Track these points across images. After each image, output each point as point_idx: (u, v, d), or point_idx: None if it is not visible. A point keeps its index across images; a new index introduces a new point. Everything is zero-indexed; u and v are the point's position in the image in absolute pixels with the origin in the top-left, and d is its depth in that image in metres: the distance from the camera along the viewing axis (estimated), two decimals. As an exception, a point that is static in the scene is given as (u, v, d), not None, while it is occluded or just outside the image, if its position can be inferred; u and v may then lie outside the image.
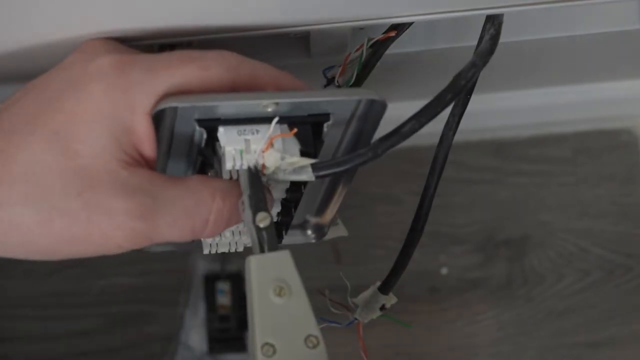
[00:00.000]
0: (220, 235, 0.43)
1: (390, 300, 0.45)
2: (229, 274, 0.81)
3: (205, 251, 0.44)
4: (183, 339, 0.79)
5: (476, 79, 0.42)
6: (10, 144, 0.36)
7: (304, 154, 0.38)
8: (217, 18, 0.39)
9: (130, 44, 0.41)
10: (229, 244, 0.44)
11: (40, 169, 0.35)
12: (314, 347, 0.34)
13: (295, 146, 0.38)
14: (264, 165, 0.37)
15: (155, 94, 0.36)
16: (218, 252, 0.44)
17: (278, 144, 0.37)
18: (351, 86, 0.43)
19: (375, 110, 0.39)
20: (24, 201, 0.35)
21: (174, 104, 0.36)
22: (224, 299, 0.79)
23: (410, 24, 0.43)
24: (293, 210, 0.43)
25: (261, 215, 0.36)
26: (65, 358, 0.79)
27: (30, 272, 0.81)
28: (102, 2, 0.37)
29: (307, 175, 0.37)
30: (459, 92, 0.37)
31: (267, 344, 0.34)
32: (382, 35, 0.43)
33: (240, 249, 0.44)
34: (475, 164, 0.85)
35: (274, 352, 0.34)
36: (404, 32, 0.43)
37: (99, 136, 0.35)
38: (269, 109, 0.37)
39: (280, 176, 0.38)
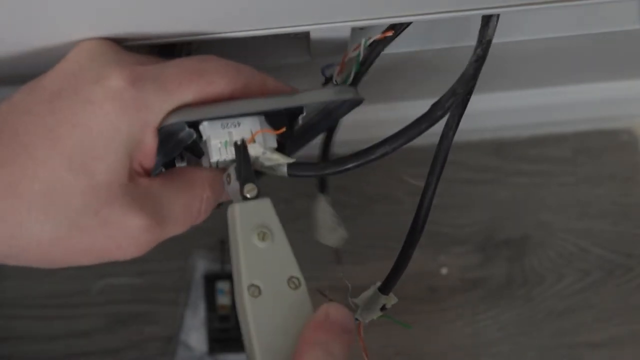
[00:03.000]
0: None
1: (390, 300, 0.45)
2: (229, 274, 0.81)
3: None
4: (183, 339, 0.79)
5: (474, 77, 0.42)
6: (30, 158, 0.36)
7: (280, 144, 0.41)
8: (218, 18, 0.39)
9: (131, 44, 0.41)
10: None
11: (61, 187, 0.36)
12: (296, 287, 0.37)
13: (272, 137, 0.41)
14: (251, 140, 0.40)
15: (166, 112, 0.38)
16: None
17: (259, 137, 0.40)
18: (349, 85, 0.43)
19: (349, 105, 0.42)
20: (44, 219, 0.36)
21: (183, 118, 0.38)
22: (224, 299, 0.79)
23: (409, 23, 0.43)
24: None
25: (249, 186, 0.38)
26: (65, 358, 0.79)
27: (30, 272, 0.81)
28: (103, 4, 0.37)
29: (281, 172, 0.41)
30: (435, 121, 0.38)
31: (252, 285, 0.36)
32: (380, 35, 0.43)
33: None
34: (475, 164, 0.86)
35: (259, 292, 0.36)
36: (401, 31, 0.43)
37: (116, 153, 0.37)
38: None
39: (258, 166, 0.41)
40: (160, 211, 0.38)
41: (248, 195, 0.38)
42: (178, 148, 0.42)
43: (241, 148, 0.39)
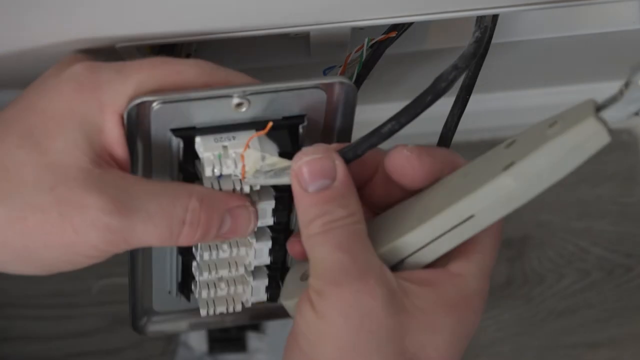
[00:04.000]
0: (216, 287, 0.42)
1: None
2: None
3: (203, 313, 0.43)
4: (183, 339, 0.79)
5: (473, 76, 0.42)
6: None
7: (282, 156, 0.38)
8: (218, 18, 0.39)
9: (131, 45, 0.41)
10: (226, 300, 0.43)
11: (13, 164, 0.35)
12: None
13: (273, 149, 0.38)
14: (244, 168, 0.37)
15: (125, 94, 0.36)
16: (216, 312, 0.43)
17: (255, 145, 0.37)
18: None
19: (348, 99, 0.39)
20: None
21: (143, 99, 0.36)
22: (224, 299, 0.79)
23: (410, 24, 0.43)
24: (284, 244, 0.41)
25: None
26: (65, 358, 0.79)
27: (30, 272, 0.81)
28: (104, 3, 0.37)
29: (288, 178, 0.37)
30: (439, 94, 0.37)
31: None
32: (383, 36, 0.43)
33: (239, 308, 0.43)
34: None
35: None
36: (404, 32, 0.43)
37: (70, 133, 0.35)
38: (243, 109, 0.37)
39: (261, 180, 0.38)
40: (129, 201, 0.35)
41: None
42: (175, 167, 0.39)
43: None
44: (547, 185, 0.33)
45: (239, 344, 0.78)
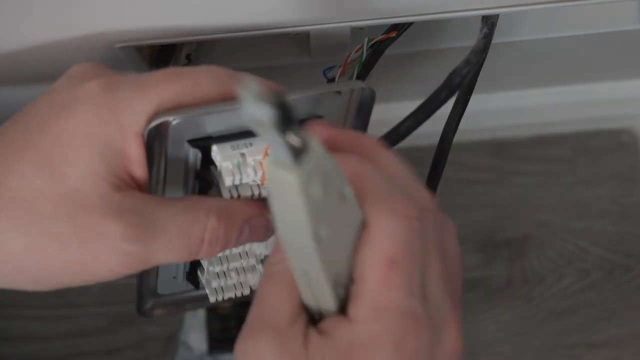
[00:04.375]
0: (226, 277, 0.42)
1: None
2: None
3: (212, 299, 0.43)
4: (183, 339, 0.79)
5: (473, 77, 0.42)
6: (1, 171, 0.35)
7: None
8: (218, 18, 0.39)
9: (131, 45, 0.41)
10: (235, 286, 0.43)
11: (31, 194, 0.34)
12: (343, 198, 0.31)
13: None
14: (264, 175, 0.37)
15: (145, 113, 0.35)
16: (225, 298, 0.43)
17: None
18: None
19: (365, 101, 0.39)
20: (14, 227, 0.34)
21: (165, 118, 0.35)
22: (224, 299, 0.79)
23: (410, 24, 0.43)
24: None
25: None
26: (65, 358, 0.79)
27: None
28: (106, 3, 0.37)
29: None
30: (454, 89, 0.37)
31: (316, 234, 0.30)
32: (383, 36, 0.43)
33: (247, 292, 0.43)
34: (475, 164, 0.85)
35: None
36: (403, 32, 0.43)
37: (89, 159, 0.35)
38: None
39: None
40: (148, 226, 0.35)
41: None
42: (190, 176, 0.39)
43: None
44: (306, 226, 0.30)
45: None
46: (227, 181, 0.37)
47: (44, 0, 0.37)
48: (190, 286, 0.45)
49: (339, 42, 0.45)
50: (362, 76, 0.43)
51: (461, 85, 0.38)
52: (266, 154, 0.36)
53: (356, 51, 0.43)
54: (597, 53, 0.60)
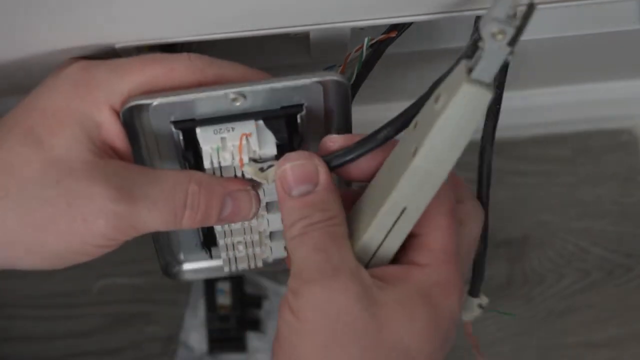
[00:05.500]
0: (234, 249, 0.44)
1: (483, 299, 0.50)
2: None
3: (226, 269, 0.46)
4: (183, 339, 0.79)
5: (499, 86, 0.42)
6: None
7: (279, 147, 0.39)
8: (217, 19, 0.39)
9: (131, 45, 0.41)
10: (247, 258, 0.45)
11: (18, 161, 0.36)
12: None
13: (271, 141, 0.39)
14: (241, 161, 0.38)
15: (120, 93, 0.37)
16: (238, 269, 0.46)
17: (254, 140, 0.38)
18: (351, 86, 0.43)
19: (341, 94, 0.39)
20: (4, 194, 0.36)
21: (137, 102, 0.37)
22: (224, 299, 0.79)
23: (410, 24, 0.43)
24: None
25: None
26: (65, 358, 0.79)
27: (31, 272, 0.81)
28: (104, 4, 0.37)
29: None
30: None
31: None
32: (383, 35, 0.43)
33: (260, 264, 0.46)
34: (475, 164, 0.85)
35: None
36: (403, 32, 0.43)
37: (70, 129, 0.37)
38: (238, 103, 0.38)
39: (255, 173, 0.39)
40: (133, 188, 0.36)
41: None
42: (178, 152, 0.41)
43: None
44: (457, 153, 0.34)
45: (239, 344, 0.78)
46: (206, 163, 0.39)
47: (43, 2, 0.37)
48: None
49: (339, 42, 0.45)
50: (362, 76, 0.43)
51: None
52: (241, 144, 0.38)
53: (356, 51, 0.43)
54: (597, 53, 0.60)
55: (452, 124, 0.33)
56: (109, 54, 0.41)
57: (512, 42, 0.31)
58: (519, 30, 0.30)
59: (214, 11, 0.38)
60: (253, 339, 0.79)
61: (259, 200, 0.40)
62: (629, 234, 0.84)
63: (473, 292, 0.49)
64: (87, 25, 0.39)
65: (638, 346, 0.82)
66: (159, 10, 0.38)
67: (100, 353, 0.80)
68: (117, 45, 0.40)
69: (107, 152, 0.38)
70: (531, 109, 0.78)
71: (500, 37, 0.30)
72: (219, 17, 0.39)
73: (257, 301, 0.79)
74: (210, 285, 0.80)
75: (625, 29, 0.50)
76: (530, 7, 0.30)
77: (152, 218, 0.37)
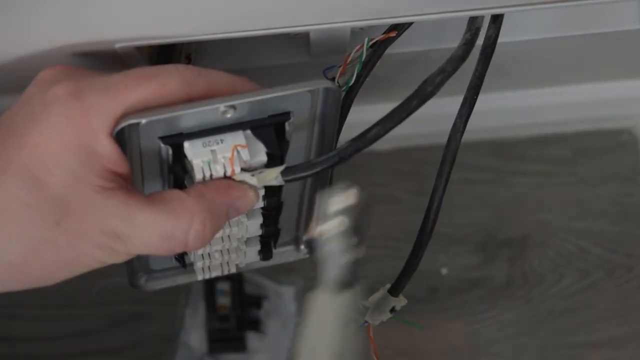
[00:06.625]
0: (210, 257, 0.44)
1: (400, 302, 0.46)
2: (229, 274, 0.81)
3: (199, 277, 0.45)
4: (183, 339, 0.79)
5: (480, 76, 0.42)
6: None
7: (269, 155, 0.39)
8: (217, 19, 0.39)
9: (131, 45, 0.41)
10: (221, 265, 0.45)
11: (16, 205, 0.36)
12: None
13: (261, 150, 0.39)
14: (233, 172, 0.38)
15: (114, 116, 0.36)
16: (212, 276, 0.45)
17: (244, 151, 0.38)
18: (351, 86, 0.43)
19: (331, 101, 0.39)
20: (7, 237, 0.36)
21: (130, 121, 0.36)
22: (224, 299, 0.79)
23: (410, 24, 0.43)
24: (276, 218, 0.44)
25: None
26: (65, 358, 0.79)
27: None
28: (105, 4, 0.37)
29: (277, 181, 0.38)
30: (425, 98, 0.37)
31: None
32: (383, 36, 0.43)
33: (233, 270, 0.45)
34: (475, 164, 0.85)
35: None
36: (403, 32, 0.43)
37: (67, 166, 0.36)
38: (228, 115, 0.38)
39: (248, 179, 0.39)
40: (129, 229, 0.37)
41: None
42: (165, 169, 0.40)
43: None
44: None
45: (239, 344, 0.78)
46: (198, 177, 0.38)
47: (43, 1, 0.37)
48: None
49: (339, 42, 0.45)
50: (362, 76, 0.43)
51: (433, 93, 0.38)
52: (234, 151, 0.38)
53: (356, 51, 0.43)
54: (597, 53, 0.60)
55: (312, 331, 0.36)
56: (109, 54, 0.41)
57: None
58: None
59: (215, 11, 0.38)
60: (253, 339, 0.79)
61: (257, 194, 0.40)
62: (629, 234, 0.84)
63: (394, 290, 0.46)
64: (87, 24, 0.39)
65: (638, 346, 0.82)
66: (159, 10, 0.38)
67: (100, 353, 0.80)
68: (117, 45, 0.40)
69: (108, 178, 0.37)
70: (531, 109, 0.78)
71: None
72: (220, 16, 0.39)
73: (257, 301, 0.79)
74: (210, 285, 0.80)
75: (625, 29, 0.50)
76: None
77: (147, 252, 0.38)
